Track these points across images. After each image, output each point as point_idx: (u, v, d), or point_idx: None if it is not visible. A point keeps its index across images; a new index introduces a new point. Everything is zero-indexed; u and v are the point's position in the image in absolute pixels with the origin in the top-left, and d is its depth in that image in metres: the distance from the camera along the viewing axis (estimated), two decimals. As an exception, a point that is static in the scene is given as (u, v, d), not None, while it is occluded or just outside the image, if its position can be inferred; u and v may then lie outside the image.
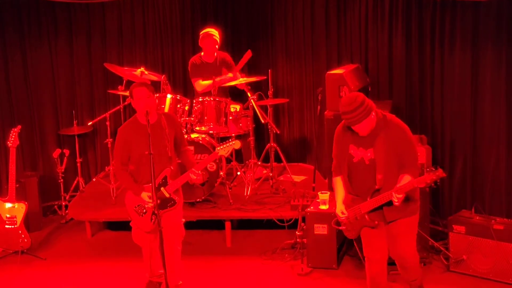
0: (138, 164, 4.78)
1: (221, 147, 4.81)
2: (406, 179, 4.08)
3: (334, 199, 4.45)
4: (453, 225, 5.22)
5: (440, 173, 3.96)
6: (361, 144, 4.22)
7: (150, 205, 4.71)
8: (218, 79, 6.46)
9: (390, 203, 4.14)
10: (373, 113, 4.11)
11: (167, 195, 4.77)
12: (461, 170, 5.84)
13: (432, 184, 4.02)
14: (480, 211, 5.31)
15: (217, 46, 6.67)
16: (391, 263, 4.58)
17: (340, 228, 4.49)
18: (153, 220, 4.72)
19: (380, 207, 4.21)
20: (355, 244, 5.17)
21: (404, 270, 4.55)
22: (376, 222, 4.29)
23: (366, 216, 4.29)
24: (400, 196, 4.05)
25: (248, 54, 6.46)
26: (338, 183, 4.41)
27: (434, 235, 5.57)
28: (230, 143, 4.80)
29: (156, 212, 4.52)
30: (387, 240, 4.39)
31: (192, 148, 5.64)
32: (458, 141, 5.88)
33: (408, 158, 4.16)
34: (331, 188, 5.83)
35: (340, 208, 4.35)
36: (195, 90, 6.73)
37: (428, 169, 4.02)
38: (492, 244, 5.03)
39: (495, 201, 5.63)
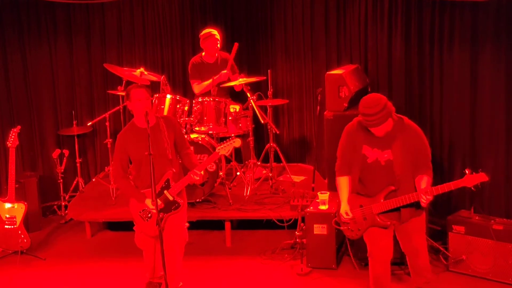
0: (139, 168, 4.76)
1: (221, 146, 4.76)
2: (425, 181, 4.17)
3: (338, 198, 4.46)
4: (452, 225, 5.23)
5: (483, 176, 3.99)
6: (376, 145, 4.26)
7: (155, 211, 4.70)
8: (215, 77, 6.45)
9: (408, 205, 4.20)
10: (392, 117, 4.19)
11: (171, 198, 4.74)
12: (460, 170, 5.84)
13: (472, 188, 4.03)
14: (479, 211, 5.32)
15: (218, 45, 6.68)
16: (394, 263, 4.61)
17: (340, 228, 4.51)
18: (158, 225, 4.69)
19: (396, 208, 4.25)
20: (349, 250, 5.19)
21: (416, 270, 4.56)
22: (389, 222, 4.32)
23: (377, 217, 4.31)
24: (430, 197, 4.10)
25: (235, 47, 6.48)
26: (343, 182, 4.42)
27: (433, 235, 5.56)
28: (230, 142, 4.76)
29: (161, 216, 4.51)
30: (399, 238, 4.44)
31: (192, 148, 5.62)
32: (457, 141, 5.89)
33: (423, 160, 4.25)
34: (331, 188, 5.87)
35: (345, 208, 4.38)
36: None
37: (467, 172, 4.03)
38: (491, 244, 5.04)
39: (494, 201, 5.63)
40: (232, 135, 6.52)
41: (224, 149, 4.76)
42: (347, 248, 5.70)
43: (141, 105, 4.65)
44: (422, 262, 4.50)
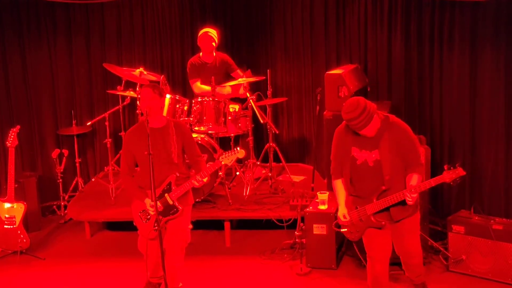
0: (142, 168, 4.74)
1: (225, 155, 4.71)
2: (415, 178, 4.16)
3: (336, 201, 4.47)
4: (452, 225, 5.23)
5: (460, 171, 4.01)
6: (364, 146, 4.26)
7: (153, 212, 4.68)
8: (218, 88, 6.40)
9: (397, 204, 4.20)
10: (376, 115, 4.17)
11: (171, 202, 4.71)
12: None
13: (452, 183, 4.06)
14: (479, 211, 5.31)
15: (214, 44, 6.66)
16: (392, 263, 4.61)
17: (341, 230, 4.51)
18: (155, 227, 4.68)
19: (386, 208, 4.25)
20: (354, 246, 5.16)
21: (409, 267, 4.59)
22: (383, 222, 4.32)
23: (372, 218, 4.32)
24: (415, 195, 4.12)
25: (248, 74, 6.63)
26: (339, 185, 4.43)
27: (433, 235, 5.57)
28: (234, 152, 4.69)
29: (158, 218, 4.49)
30: (393, 239, 4.44)
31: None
32: (456, 142, 5.89)
33: (412, 157, 4.24)
34: (330, 188, 5.84)
35: (342, 211, 4.40)
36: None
37: (446, 168, 4.05)
38: (491, 244, 5.04)
39: (494, 201, 5.63)
40: (232, 134, 6.53)
41: (227, 159, 4.70)
42: (347, 248, 5.72)
43: (144, 105, 4.64)
44: (415, 262, 4.54)
